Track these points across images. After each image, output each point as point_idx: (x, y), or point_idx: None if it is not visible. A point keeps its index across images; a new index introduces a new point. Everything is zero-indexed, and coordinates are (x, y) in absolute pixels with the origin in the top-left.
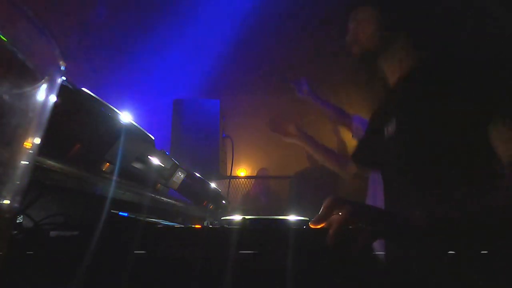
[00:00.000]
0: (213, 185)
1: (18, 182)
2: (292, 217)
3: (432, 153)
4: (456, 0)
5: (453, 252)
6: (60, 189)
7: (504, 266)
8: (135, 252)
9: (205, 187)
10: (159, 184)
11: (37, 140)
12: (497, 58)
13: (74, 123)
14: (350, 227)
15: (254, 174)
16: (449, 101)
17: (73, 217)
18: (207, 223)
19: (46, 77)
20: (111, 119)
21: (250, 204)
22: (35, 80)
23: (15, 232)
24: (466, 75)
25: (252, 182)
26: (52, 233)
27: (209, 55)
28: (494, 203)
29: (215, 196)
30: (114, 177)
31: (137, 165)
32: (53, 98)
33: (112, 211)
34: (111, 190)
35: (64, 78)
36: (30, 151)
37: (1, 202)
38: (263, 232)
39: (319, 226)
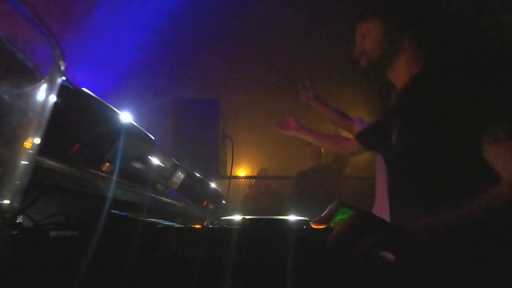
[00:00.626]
0: (213, 185)
1: (18, 182)
2: (292, 217)
3: (435, 158)
4: (459, 7)
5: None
6: (60, 189)
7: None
8: (135, 252)
9: (205, 187)
10: (159, 184)
11: (37, 140)
12: (499, 64)
13: (74, 123)
14: (353, 230)
15: (254, 174)
16: (451, 107)
17: (73, 217)
18: (207, 223)
19: (46, 77)
20: (111, 119)
21: (250, 204)
22: (35, 80)
23: (15, 232)
24: (467, 81)
25: (252, 182)
26: (52, 233)
27: (210, 54)
28: (489, 210)
29: (215, 196)
30: (114, 177)
31: (137, 165)
32: (53, 98)
33: (112, 211)
34: (111, 190)
35: (64, 78)
36: (30, 151)
37: (1, 202)
38: (263, 232)
39: (320, 227)
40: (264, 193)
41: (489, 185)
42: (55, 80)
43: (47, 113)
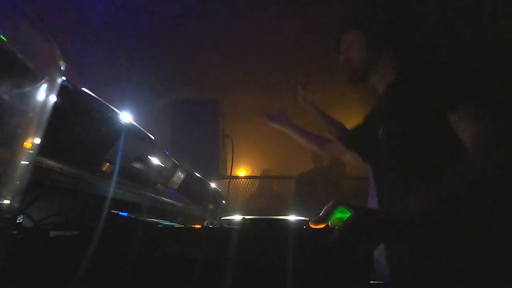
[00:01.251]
0: (213, 185)
1: (18, 182)
2: (292, 217)
3: (417, 152)
4: (432, 15)
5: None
6: (60, 189)
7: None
8: (135, 252)
9: (205, 187)
10: (159, 184)
11: (37, 140)
12: (466, 60)
13: (74, 123)
14: (353, 230)
15: (254, 174)
16: (425, 102)
17: (73, 217)
18: (207, 223)
19: (46, 77)
20: (111, 119)
21: (250, 204)
22: (35, 80)
23: (15, 232)
24: (437, 77)
25: (252, 182)
26: (52, 233)
27: (210, 54)
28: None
29: (215, 196)
30: (114, 177)
31: (137, 165)
32: (53, 98)
33: (112, 211)
34: (111, 190)
35: (64, 78)
36: (30, 151)
37: (1, 202)
38: (263, 232)
39: (319, 227)
40: (265, 193)
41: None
42: (55, 80)
43: (47, 113)
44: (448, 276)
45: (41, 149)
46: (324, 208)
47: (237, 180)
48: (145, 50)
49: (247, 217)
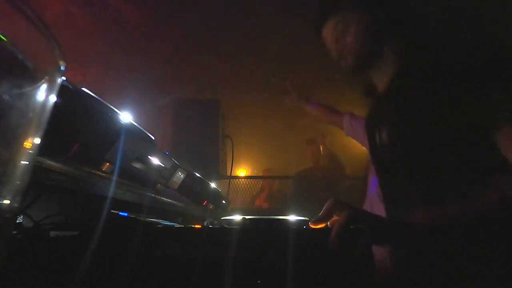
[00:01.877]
0: (213, 185)
1: (18, 182)
2: (292, 217)
3: (431, 157)
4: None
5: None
6: (60, 189)
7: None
8: (135, 252)
9: (205, 187)
10: (159, 184)
11: (37, 140)
12: (484, 62)
13: (74, 123)
14: (352, 227)
15: (254, 174)
16: (444, 104)
17: (73, 217)
18: (207, 223)
19: (46, 77)
20: (111, 119)
21: (250, 204)
22: (35, 80)
23: (15, 232)
24: (454, 78)
25: (252, 182)
26: (52, 233)
27: (210, 54)
28: (486, 203)
29: (215, 196)
30: (114, 177)
31: (137, 165)
32: (53, 98)
33: (112, 211)
34: (111, 190)
35: (64, 78)
36: (30, 151)
37: (1, 202)
38: (263, 232)
39: (318, 227)
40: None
41: (480, 177)
42: (55, 80)
43: (47, 113)
44: (448, 276)
45: (41, 149)
46: (324, 208)
47: (237, 180)
48: (145, 50)
49: (247, 217)
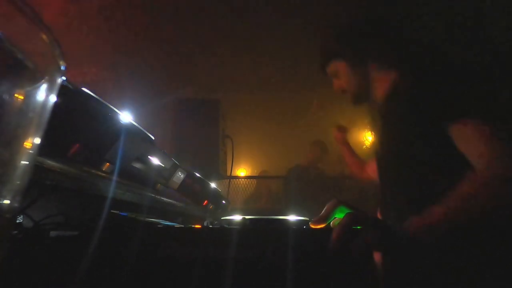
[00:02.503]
0: (213, 185)
1: (18, 182)
2: (292, 217)
3: (418, 160)
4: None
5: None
6: (60, 189)
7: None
8: (135, 252)
9: (205, 187)
10: (159, 184)
11: (37, 140)
12: (456, 69)
13: (74, 123)
14: (353, 228)
15: (254, 174)
16: (424, 109)
17: (73, 217)
18: (207, 223)
19: (46, 77)
20: (111, 119)
21: (250, 204)
22: (35, 80)
23: (15, 232)
24: (428, 86)
25: (252, 182)
26: (52, 233)
27: (210, 53)
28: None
29: (215, 196)
30: (114, 177)
31: (137, 165)
32: (53, 98)
33: (112, 211)
34: (111, 190)
35: (64, 78)
36: (30, 151)
37: (1, 202)
38: (263, 232)
39: (319, 227)
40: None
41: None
42: (55, 80)
43: (47, 113)
44: (448, 276)
45: (41, 149)
46: (325, 208)
47: (237, 180)
48: (145, 50)
49: (247, 217)
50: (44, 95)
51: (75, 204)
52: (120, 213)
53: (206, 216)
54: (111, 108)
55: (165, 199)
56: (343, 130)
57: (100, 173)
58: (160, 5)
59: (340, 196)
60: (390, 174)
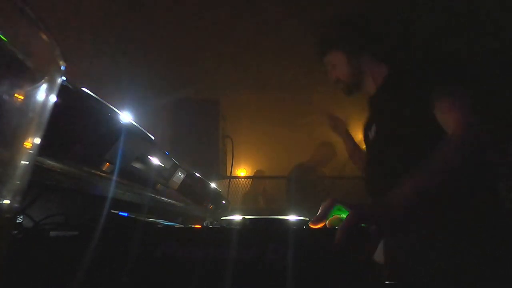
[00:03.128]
0: (213, 185)
1: (18, 182)
2: (292, 217)
3: (403, 146)
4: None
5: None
6: (60, 189)
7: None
8: (135, 252)
9: (205, 187)
10: (159, 184)
11: (37, 140)
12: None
13: (74, 123)
14: (361, 226)
15: (254, 174)
16: (409, 97)
17: (73, 217)
18: (207, 223)
19: (46, 77)
20: (111, 119)
21: (250, 204)
22: (35, 80)
23: (15, 232)
24: (416, 76)
25: (252, 182)
26: (52, 233)
27: (210, 53)
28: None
29: (215, 196)
30: (114, 177)
31: (137, 165)
32: (53, 98)
33: (112, 211)
34: (111, 190)
35: (64, 78)
36: (30, 151)
37: (1, 202)
38: (263, 232)
39: (318, 226)
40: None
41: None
42: (55, 80)
43: (47, 113)
44: (448, 276)
45: (41, 149)
46: (321, 207)
47: (237, 180)
48: (145, 49)
49: (247, 217)
50: (44, 95)
51: (75, 204)
52: (120, 213)
53: (206, 216)
54: (111, 108)
55: (165, 199)
56: (335, 119)
57: (100, 173)
58: (160, 5)
59: (337, 196)
60: (379, 158)
